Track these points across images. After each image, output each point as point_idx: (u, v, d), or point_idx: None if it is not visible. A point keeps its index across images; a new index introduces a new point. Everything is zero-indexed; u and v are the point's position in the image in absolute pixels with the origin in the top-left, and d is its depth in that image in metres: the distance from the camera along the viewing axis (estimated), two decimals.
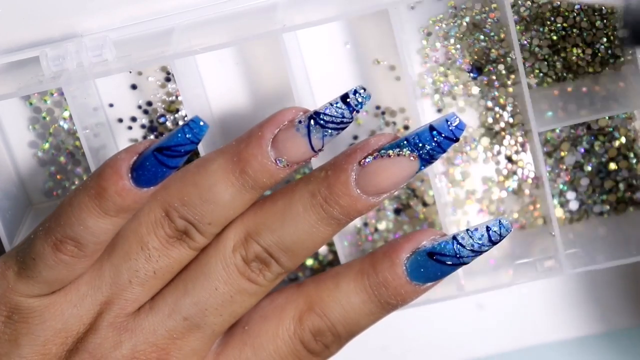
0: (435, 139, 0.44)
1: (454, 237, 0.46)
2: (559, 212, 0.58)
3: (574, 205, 0.58)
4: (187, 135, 0.43)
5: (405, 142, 0.45)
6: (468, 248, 0.45)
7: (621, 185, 0.57)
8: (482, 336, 0.61)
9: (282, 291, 0.48)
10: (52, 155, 0.57)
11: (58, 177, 0.57)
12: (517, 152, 0.57)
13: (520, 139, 0.56)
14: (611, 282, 0.59)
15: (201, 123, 0.43)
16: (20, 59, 0.53)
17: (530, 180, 0.57)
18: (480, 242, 0.45)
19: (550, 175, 0.57)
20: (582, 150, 0.57)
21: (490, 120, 0.56)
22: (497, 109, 0.56)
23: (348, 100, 0.45)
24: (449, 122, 0.44)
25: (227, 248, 0.46)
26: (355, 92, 0.45)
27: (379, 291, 0.47)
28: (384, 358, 0.61)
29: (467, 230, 0.45)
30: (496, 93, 0.56)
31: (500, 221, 0.45)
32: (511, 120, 0.56)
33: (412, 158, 0.45)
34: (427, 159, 0.45)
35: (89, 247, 0.45)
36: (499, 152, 0.57)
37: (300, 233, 0.46)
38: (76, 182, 0.57)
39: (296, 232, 0.46)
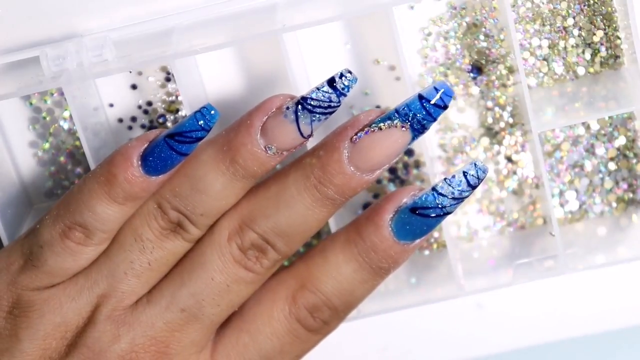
0: (425, 107, 0.45)
1: (434, 188, 0.46)
2: (559, 212, 0.58)
3: (574, 205, 0.58)
4: (200, 122, 0.44)
5: (395, 114, 0.45)
6: (449, 196, 0.45)
7: (621, 185, 0.57)
8: (482, 336, 0.61)
9: (274, 275, 0.48)
10: (52, 155, 0.57)
11: (58, 177, 0.57)
12: (517, 152, 0.57)
13: (520, 139, 0.56)
14: (611, 282, 0.59)
15: (212, 111, 0.44)
16: (20, 59, 0.53)
17: (530, 180, 0.57)
18: (459, 188, 0.46)
19: (550, 175, 0.57)
20: (582, 150, 0.57)
21: (490, 120, 0.56)
22: (497, 109, 0.56)
23: (334, 84, 0.45)
24: (437, 90, 0.45)
25: (222, 237, 0.46)
26: (342, 75, 0.45)
27: (369, 257, 0.46)
28: (384, 358, 0.61)
29: (445, 179, 0.46)
30: (496, 93, 0.56)
31: (475, 164, 0.46)
32: (511, 120, 0.56)
33: (403, 128, 0.45)
34: (418, 129, 0.45)
35: (96, 235, 0.45)
36: (498, 152, 0.57)
37: (296, 216, 0.45)
38: (76, 182, 0.57)
39: (291, 215, 0.45)
